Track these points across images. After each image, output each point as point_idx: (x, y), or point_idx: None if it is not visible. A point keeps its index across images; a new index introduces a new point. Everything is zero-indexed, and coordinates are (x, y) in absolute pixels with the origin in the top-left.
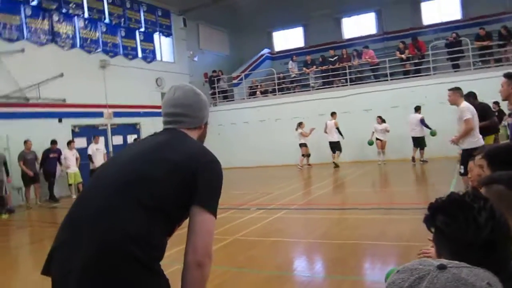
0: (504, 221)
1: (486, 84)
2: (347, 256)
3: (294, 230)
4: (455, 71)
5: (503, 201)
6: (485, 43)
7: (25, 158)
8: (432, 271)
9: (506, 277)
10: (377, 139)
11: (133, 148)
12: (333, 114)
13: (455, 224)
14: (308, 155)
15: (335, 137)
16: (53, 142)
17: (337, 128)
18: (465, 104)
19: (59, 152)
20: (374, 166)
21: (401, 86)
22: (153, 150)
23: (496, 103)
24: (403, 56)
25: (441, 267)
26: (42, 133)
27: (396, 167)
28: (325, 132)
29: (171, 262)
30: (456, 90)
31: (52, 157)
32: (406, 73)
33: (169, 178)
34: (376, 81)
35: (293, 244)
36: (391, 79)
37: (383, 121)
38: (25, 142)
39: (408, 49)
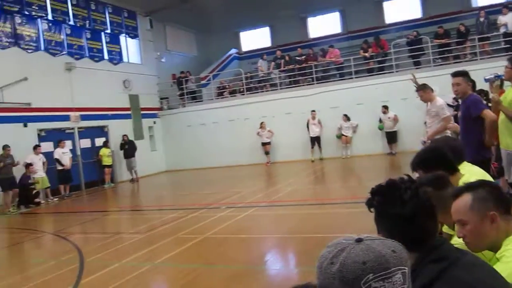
0: (426, 199)
1: (446, 80)
2: (313, 248)
3: (262, 227)
4: (417, 68)
5: (433, 201)
6: (443, 41)
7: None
8: (351, 244)
9: (428, 248)
10: (342, 135)
11: None
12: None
13: (387, 202)
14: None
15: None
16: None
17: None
18: (441, 100)
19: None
20: (341, 161)
21: (366, 84)
22: None
23: (455, 98)
24: (366, 54)
25: (359, 240)
26: (6, 139)
27: (362, 162)
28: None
29: (142, 263)
30: (426, 87)
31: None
32: (370, 71)
33: None
34: (342, 79)
35: (262, 240)
36: (355, 77)
37: (348, 119)
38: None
39: (371, 47)
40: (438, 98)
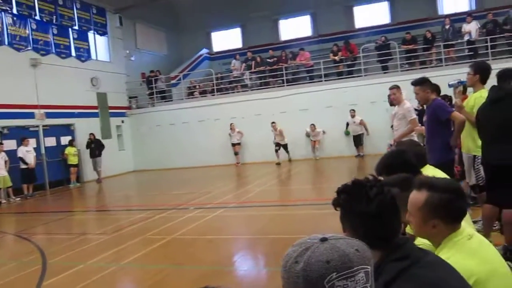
0: (391, 197)
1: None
2: (282, 249)
3: (231, 228)
4: (385, 73)
5: (399, 202)
6: (410, 46)
7: None
8: (315, 243)
9: (392, 247)
10: (311, 140)
11: None
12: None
13: (352, 199)
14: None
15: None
16: None
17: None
18: (409, 103)
19: None
20: (309, 163)
21: (335, 87)
22: None
23: None
24: (336, 58)
25: (323, 239)
26: None
27: (330, 164)
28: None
29: (108, 264)
30: (399, 87)
31: None
32: (339, 74)
33: None
34: (311, 82)
35: (231, 240)
36: (325, 80)
37: (315, 128)
38: None
39: (341, 51)
40: (406, 101)
